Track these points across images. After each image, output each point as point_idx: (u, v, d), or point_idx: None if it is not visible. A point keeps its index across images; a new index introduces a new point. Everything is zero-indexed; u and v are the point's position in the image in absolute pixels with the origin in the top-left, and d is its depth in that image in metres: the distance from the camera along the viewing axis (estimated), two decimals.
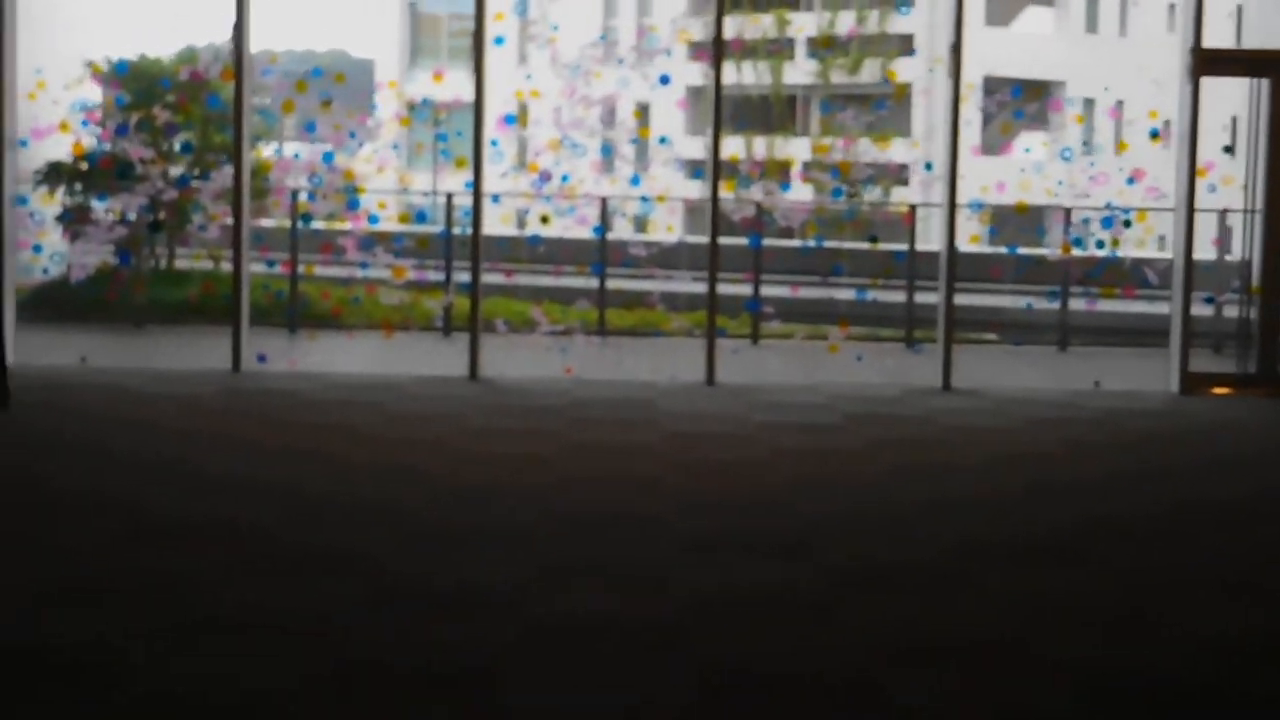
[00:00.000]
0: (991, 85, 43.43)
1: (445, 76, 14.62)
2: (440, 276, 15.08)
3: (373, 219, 12.97)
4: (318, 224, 14.36)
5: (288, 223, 14.91)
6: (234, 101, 12.41)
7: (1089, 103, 47.28)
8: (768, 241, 14.14)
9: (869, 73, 45.02)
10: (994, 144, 44.61)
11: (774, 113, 44.25)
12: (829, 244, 13.64)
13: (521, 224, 16.21)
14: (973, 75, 40.65)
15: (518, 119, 12.76)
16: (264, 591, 6.14)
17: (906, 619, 6.01)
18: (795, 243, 13.39)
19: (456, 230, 15.03)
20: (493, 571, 6.53)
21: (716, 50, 12.41)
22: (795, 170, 42.95)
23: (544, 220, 13.01)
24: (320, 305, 14.59)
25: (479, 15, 12.30)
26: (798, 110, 47.25)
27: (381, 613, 5.88)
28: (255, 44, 12.88)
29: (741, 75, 44.27)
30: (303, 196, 14.13)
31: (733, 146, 41.88)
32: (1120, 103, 47.17)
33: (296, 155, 13.02)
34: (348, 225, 13.17)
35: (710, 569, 6.74)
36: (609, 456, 9.48)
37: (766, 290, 14.95)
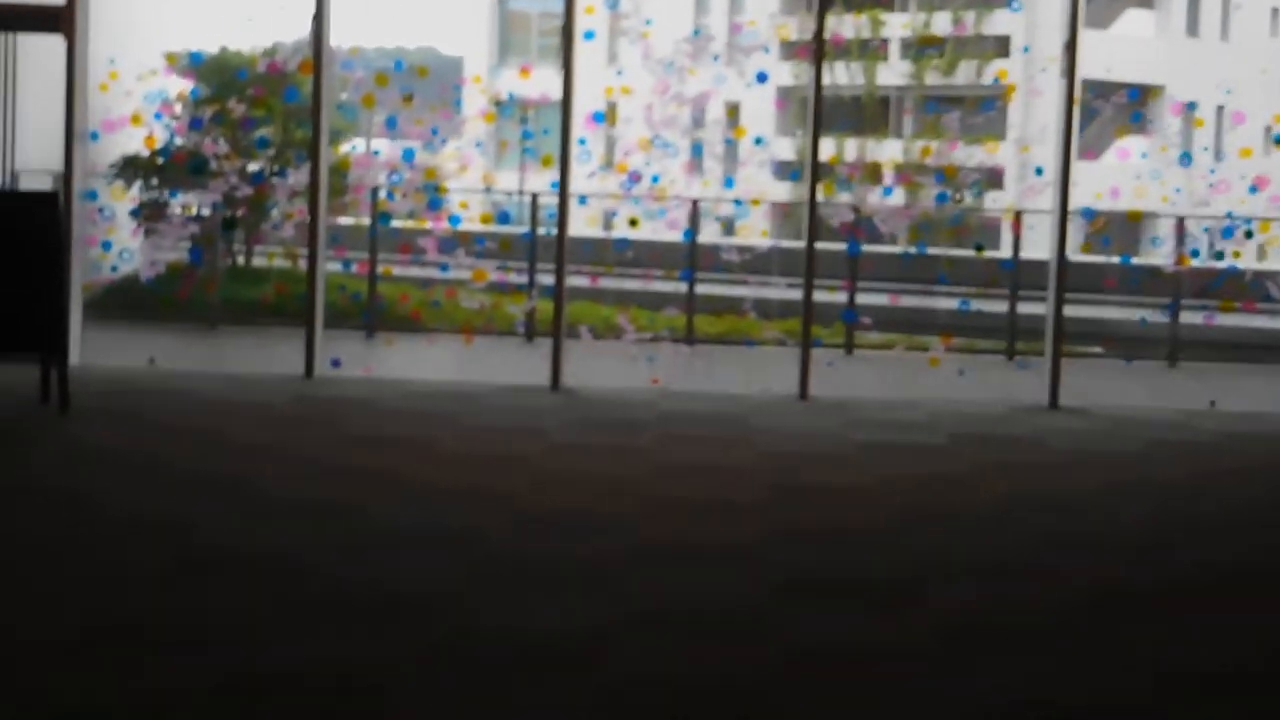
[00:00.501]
0: (1092, 88, 42.66)
1: (532, 72, 14.03)
2: (523, 280, 14.51)
3: (454, 219, 12.41)
4: (397, 223, 13.82)
5: (367, 221, 14.38)
6: (312, 95, 11.87)
7: (1190, 106, 46.36)
8: (866, 247, 13.44)
9: (964, 74, 44.17)
10: (1097, 147, 43.66)
11: (866, 114, 43.47)
12: (931, 251, 12.95)
13: (608, 225, 15.60)
14: (1076, 79, 39.78)
15: (607, 117, 12.16)
16: (317, 642, 5.56)
17: (1041, 680, 5.34)
18: (895, 249, 12.70)
19: (541, 231, 14.45)
20: (569, 617, 5.92)
21: (817, 49, 11.76)
22: (890, 173, 42.23)
23: (633, 223, 12.40)
24: (399, 308, 14.03)
25: (569, 7, 11.70)
26: (891, 112, 46.43)
27: (451, 668, 5.29)
28: (340, 39, 12.40)
29: (834, 75, 43.50)
30: (382, 195, 13.58)
31: (825, 148, 41.17)
32: (1221, 108, 46.07)
33: (376, 152, 12.47)
34: (428, 225, 12.61)
35: (812, 616, 6.10)
36: (699, 479, 8.85)
37: (863, 298, 14.27)
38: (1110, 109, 23.03)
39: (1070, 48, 11.66)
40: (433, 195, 12.35)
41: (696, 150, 12.53)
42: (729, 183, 12.74)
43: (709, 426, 10.61)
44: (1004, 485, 8.96)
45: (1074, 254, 13.15)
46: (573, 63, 11.77)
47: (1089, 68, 39.63)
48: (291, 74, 13.32)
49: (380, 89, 12.42)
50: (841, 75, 45.12)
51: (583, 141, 12.10)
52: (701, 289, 15.01)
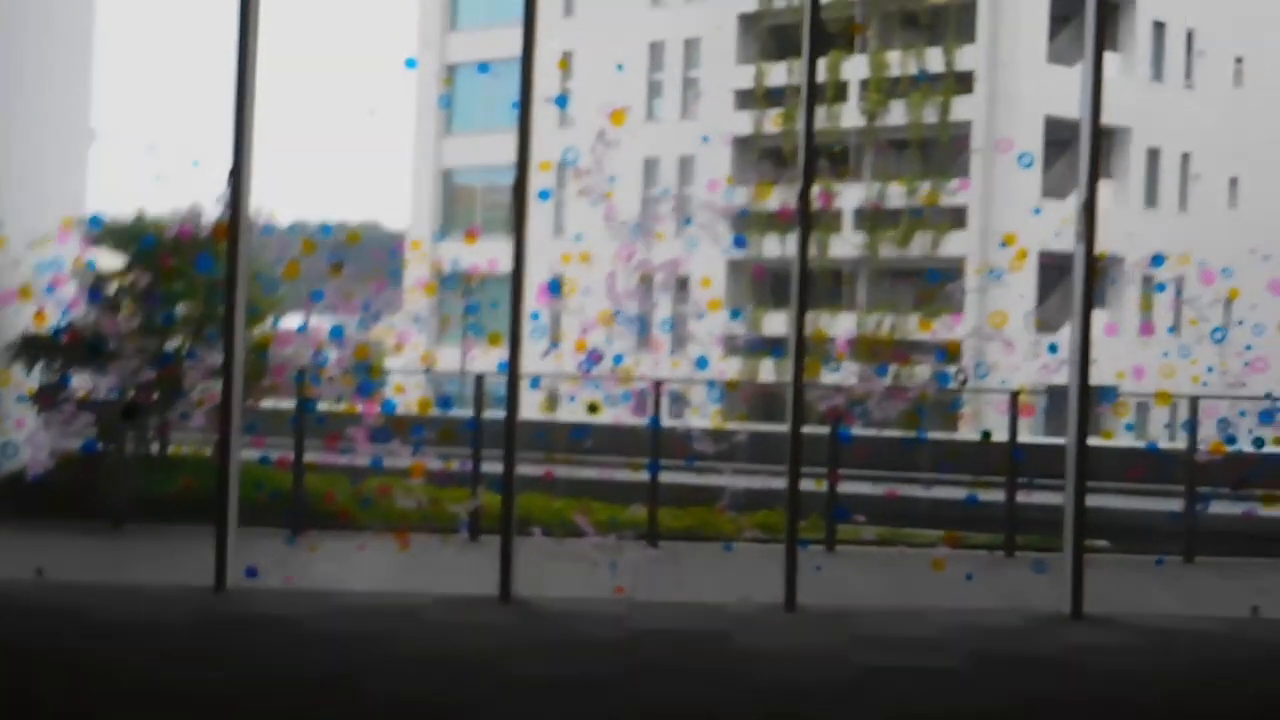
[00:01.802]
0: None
1: (479, 237, 12.54)
2: (467, 470, 12.95)
3: (388, 405, 10.82)
4: (327, 407, 12.22)
5: (291, 405, 12.80)
6: (226, 263, 10.36)
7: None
8: (856, 432, 11.89)
9: (919, 245, 43.28)
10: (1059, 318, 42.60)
11: (819, 287, 42.38)
12: (931, 436, 11.50)
13: (552, 405, 14.01)
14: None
15: (562, 288, 10.68)
16: None
17: None
18: (888, 434, 11.19)
19: (487, 416, 12.93)
20: None
21: (803, 214, 10.38)
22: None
23: (593, 409, 10.87)
24: (326, 504, 12.42)
25: (522, 162, 10.27)
26: (844, 284, 45.41)
27: None
28: (262, 206, 10.97)
29: (785, 247, 42.48)
30: (308, 377, 11.98)
31: (775, 323, 39.97)
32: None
33: (301, 328, 10.93)
34: (359, 411, 11.04)
35: None
36: None
37: (851, 489, 12.74)
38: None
39: (1089, 209, 10.31)
40: (364, 378, 10.80)
41: (669, 325, 11.05)
42: (702, 363, 11.25)
43: (687, 650, 9.02)
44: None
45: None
46: (525, 225, 10.33)
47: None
48: (205, 240, 11.81)
49: (306, 258, 10.95)
50: (791, 246, 44.05)
51: (535, 316, 10.64)
52: (669, 478, 13.46)
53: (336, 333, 10.82)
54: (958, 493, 11.90)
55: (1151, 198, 45.38)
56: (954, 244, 42.60)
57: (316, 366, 10.89)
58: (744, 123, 46.99)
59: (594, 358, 10.63)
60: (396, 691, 7.69)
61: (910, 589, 11.28)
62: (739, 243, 10.71)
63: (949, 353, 10.50)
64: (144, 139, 11.14)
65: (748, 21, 48.38)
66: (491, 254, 11.86)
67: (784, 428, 10.46)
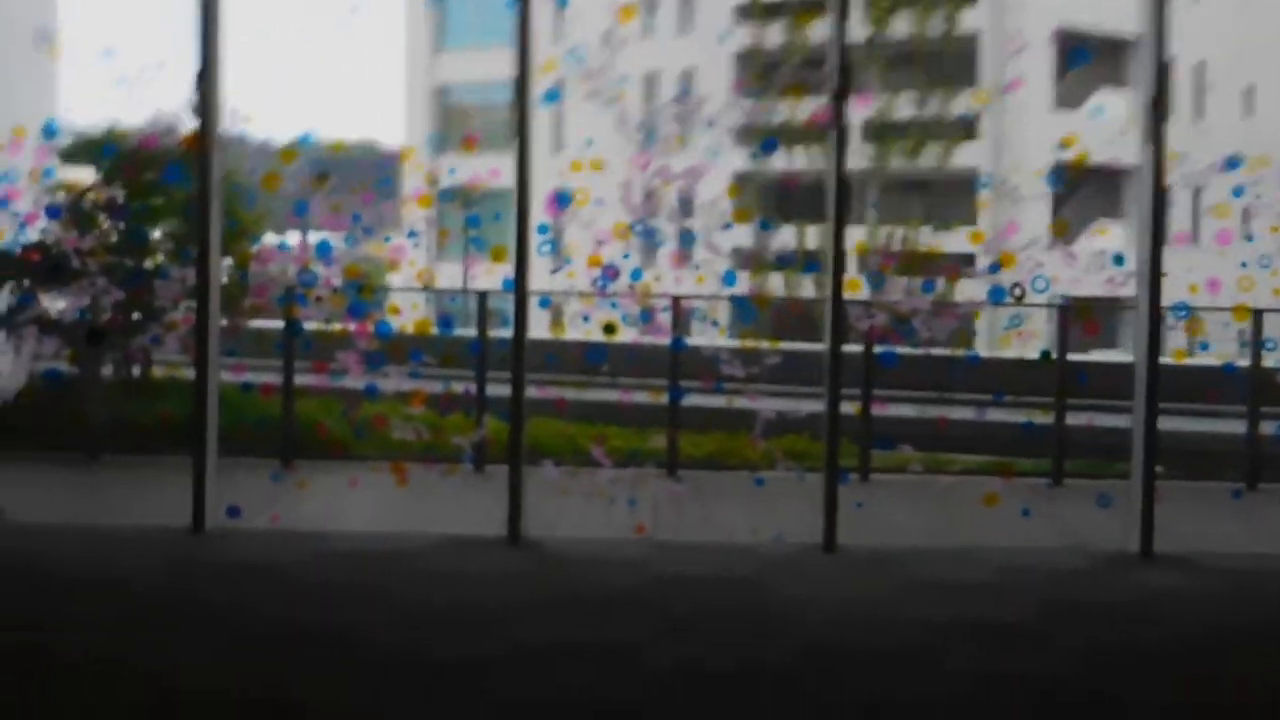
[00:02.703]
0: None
1: (477, 144, 11.37)
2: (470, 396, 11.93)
3: (382, 327, 9.74)
4: (315, 329, 11.14)
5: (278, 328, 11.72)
6: (197, 175, 9.29)
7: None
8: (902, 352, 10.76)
9: (930, 158, 42.10)
10: (1074, 231, 41.49)
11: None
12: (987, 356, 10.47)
13: (561, 325, 12.90)
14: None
15: (572, 199, 9.60)
16: None
17: None
18: (927, 353, 10.09)
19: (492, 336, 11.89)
20: None
21: (839, 120, 9.33)
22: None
23: (609, 330, 9.80)
24: (316, 435, 11.38)
25: (522, 59, 9.19)
26: (853, 197, 44.26)
27: None
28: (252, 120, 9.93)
29: (790, 160, 41.26)
30: (293, 297, 10.84)
31: (786, 238, 38.73)
32: (1197, 190, 43.91)
33: (284, 244, 9.84)
34: (351, 333, 9.96)
35: None
36: (725, 695, 6.26)
37: (892, 413, 11.68)
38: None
39: (1157, 105, 9.24)
40: (355, 297, 9.72)
41: (686, 240, 9.95)
42: (729, 278, 10.17)
43: (720, 600, 8.04)
44: (1155, 693, 6.40)
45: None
46: (528, 128, 9.26)
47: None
48: (173, 151, 10.68)
49: (287, 169, 9.88)
50: (800, 159, 42.94)
51: (543, 229, 9.57)
52: (691, 402, 12.41)
53: (323, 249, 9.75)
54: (1013, 417, 10.87)
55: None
56: (966, 155, 41.36)
57: (303, 285, 9.80)
58: (743, 36, 45.69)
59: (609, 274, 9.58)
60: (393, 655, 6.70)
61: (958, 525, 10.29)
62: (770, 146, 9.61)
63: (1002, 265, 9.40)
64: (105, 44, 9.96)
65: None
66: (491, 167, 10.71)
67: (821, 347, 9.46)
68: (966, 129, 41.31)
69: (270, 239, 11.58)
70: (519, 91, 9.15)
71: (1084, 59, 40.55)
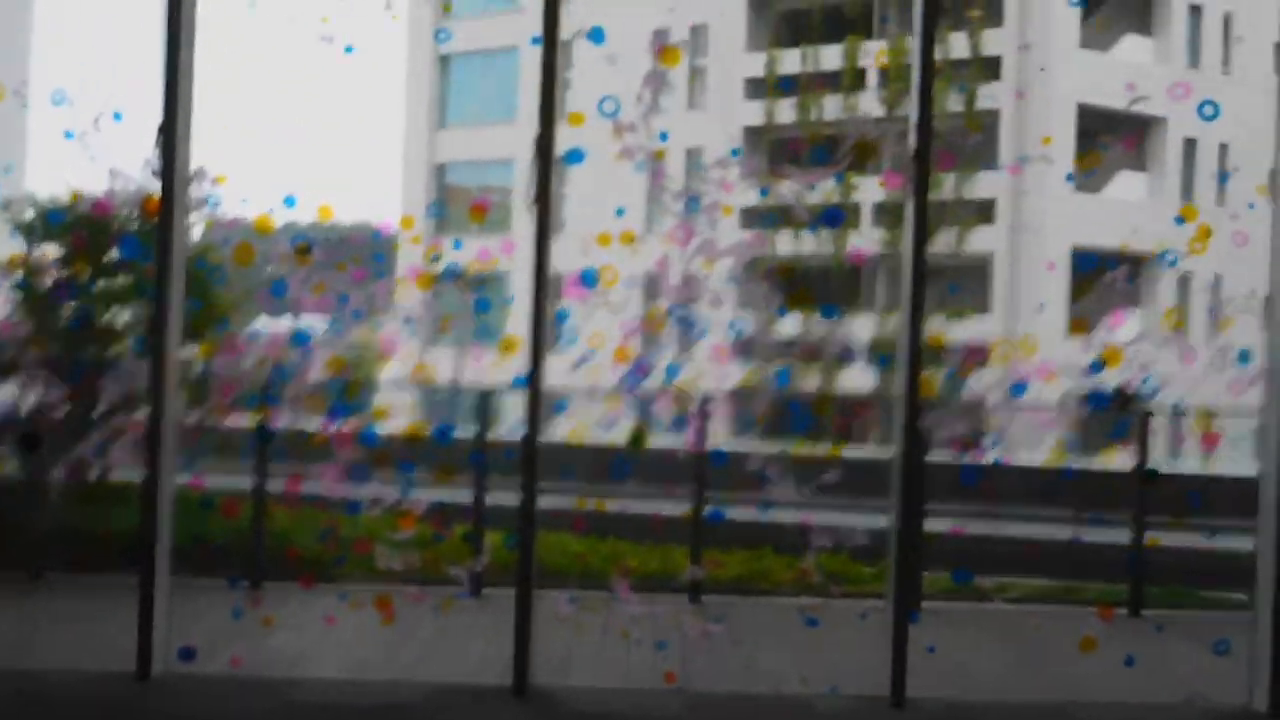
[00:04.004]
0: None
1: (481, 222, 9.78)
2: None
3: (367, 435, 8.17)
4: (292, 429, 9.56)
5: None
6: (156, 246, 7.80)
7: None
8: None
9: (943, 242, 40.71)
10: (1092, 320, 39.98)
11: (835, 285, 39.79)
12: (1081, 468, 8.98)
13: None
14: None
15: (599, 279, 8.09)
16: None
17: None
18: (1013, 463, 8.60)
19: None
20: None
21: (920, 197, 7.90)
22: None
23: (636, 441, 8.27)
24: (288, 556, 9.85)
25: (546, 109, 7.72)
26: (862, 283, 42.84)
27: None
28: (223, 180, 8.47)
29: (799, 244, 39.86)
30: (263, 398, 9.22)
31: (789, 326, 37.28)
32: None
33: (255, 333, 8.29)
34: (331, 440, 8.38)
35: None
36: None
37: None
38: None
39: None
40: (336, 397, 8.18)
41: (734, 329, 8.42)
42: (783, 377, 8.65)
43: None
44: None
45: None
46: (549, 194, 7.79)
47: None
48: (127, 218, 9.19)
49: (262, 241, 8.39)
50: (808, 243, 41.57)
51: (563, 316, 8.06)
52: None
53: (301, 338, 8.22)
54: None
55: (1188, 191, 42.75)
56: (981, 239, 40.02)
57: (275, 383, 8.25)
58: (754, 113, 44.43)
59: (640, 370, 8.06)
60: None
61: (1039, 669, 8.74)
62: (832, 219, 8.22)
63: (1105, 363, 7.88)
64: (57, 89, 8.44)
65: (758, 6, 45.79)
66: (495, 246, 9.19)
67: (886, 456, 7.96)
68: (983, 211, 39.94)
69: (242, 325, 10.13)
70: (541, 150, 7.68)
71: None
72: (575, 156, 7.90)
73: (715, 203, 8.13)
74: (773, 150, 42.61)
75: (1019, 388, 7.99)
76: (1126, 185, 42.25)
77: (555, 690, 7.83)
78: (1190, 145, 42.82)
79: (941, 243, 41.01)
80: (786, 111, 43.57)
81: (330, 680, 8.02)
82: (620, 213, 8.16)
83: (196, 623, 8.52)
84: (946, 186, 40.60)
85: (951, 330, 38.90)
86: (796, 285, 38.57)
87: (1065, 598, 11.05)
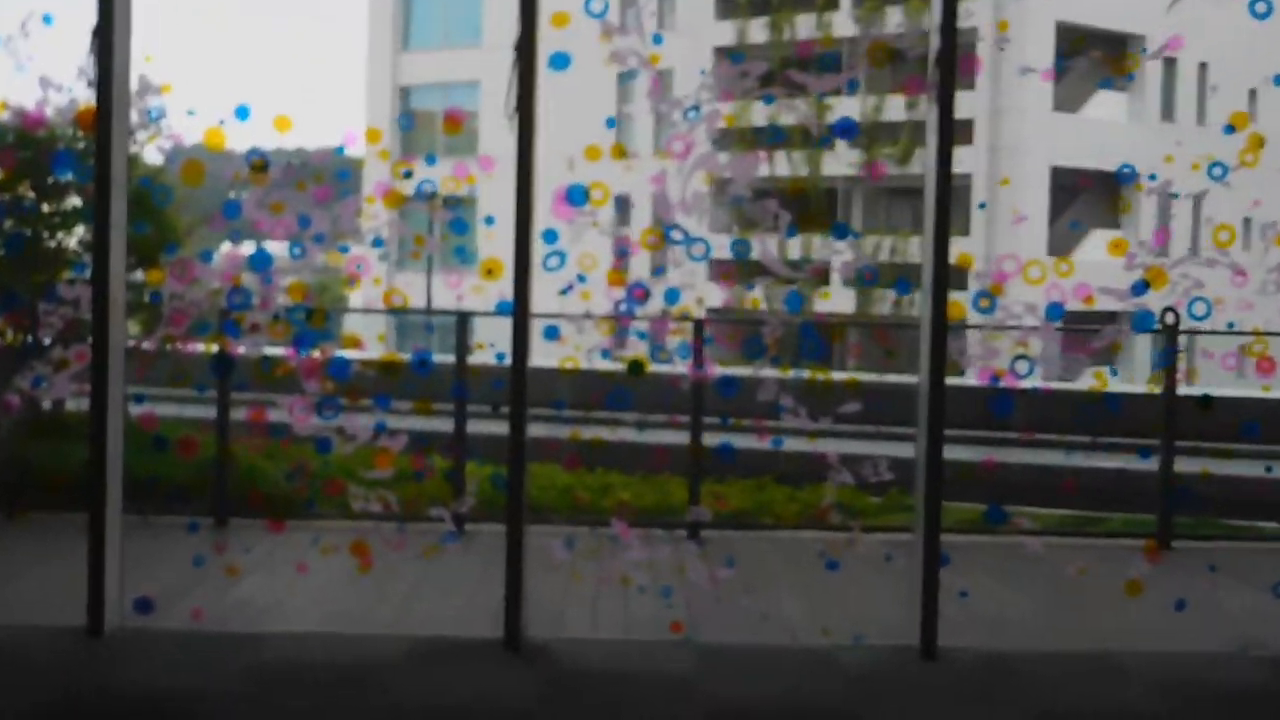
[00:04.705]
0: (1060, 177, 38.44)
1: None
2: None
3: (338, 366, 7.39)
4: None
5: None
6: (96, 161, 6.99)
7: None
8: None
9: (921, 162, 39.93)
10: (1066, 243, 39.37)
11: (810, 208, 38.99)
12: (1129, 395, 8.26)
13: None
14: (1039, 165, 35.29)
15: (589, 196, 7.30)
16: None
17: None
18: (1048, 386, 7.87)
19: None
20: None
21: (944, 115, 7.13)
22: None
23: (635, 370, 7.51)
24: (252, 497, 9.10)
25: (527, 14, 6.93)
26: (838, 205, 42.11)
27: None
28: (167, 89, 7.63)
29: (773, 166, 39.01)
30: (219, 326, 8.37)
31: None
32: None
33: (207, 255, 7.51)
34: (297, 370, 7.58)
35: None
36: None
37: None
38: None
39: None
40: (301, 325, 7.39)
41: (740, 247, 7.63)
42: (793, 302, 7.89)
43: None
44: None
45: None
46: (533, 98, 7.00)
47: (1058, 155, 35.09)
48: (61, 129, 8.34)
49: (214, 158, 7.57)
50: (782, 165, 40.76)
51: (551, 236, 7.28)
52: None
53: (260, 260, 7.41)
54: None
55: (1169, 111, 42.04)
56: (959, 160, 39.18)
57: (233, 309, 7.48)
58: (726, 33, 43.47)
59: (636, 294, 7.29)
60: None
61: (1076, 610, 8.07)
62: (843, 130, 7.45)
63: (1150, 283, 7.14)
64: None
65: None
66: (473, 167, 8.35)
67: (911, 381, 7.24)
68: (961, 133, 39.20)
69: (190, 248, 9.32)
70: (523, 52, 6.89)
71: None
72: (560, 61, 7.08)
73: (716, 111, 7.33)
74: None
75: (1055, 309, 7.24)
76: (1105, 105, 41.54)
77: (551, 643, 7.10)
78: (1169, 64, 42.11)
79: (917, 164, 40.31)
80: (759, 31, 42.66)
81: (302, 634, 7.27)
82: (611, 123, 7.35)
83: (154, 570, 7.81)
84: (923, 107, 39.84)
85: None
86: (805, 205, 37.86)
87: (1086, 530, 10.39)
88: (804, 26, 41.69)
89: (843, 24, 41.33)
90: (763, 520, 10.53)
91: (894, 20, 40.11)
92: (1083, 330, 7.84)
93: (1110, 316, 7.67)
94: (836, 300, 35.41)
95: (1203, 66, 41.19)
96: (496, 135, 7.55)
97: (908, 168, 40.24)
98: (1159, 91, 41.52)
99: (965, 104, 36.48)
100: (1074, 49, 37.98)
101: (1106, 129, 39.55)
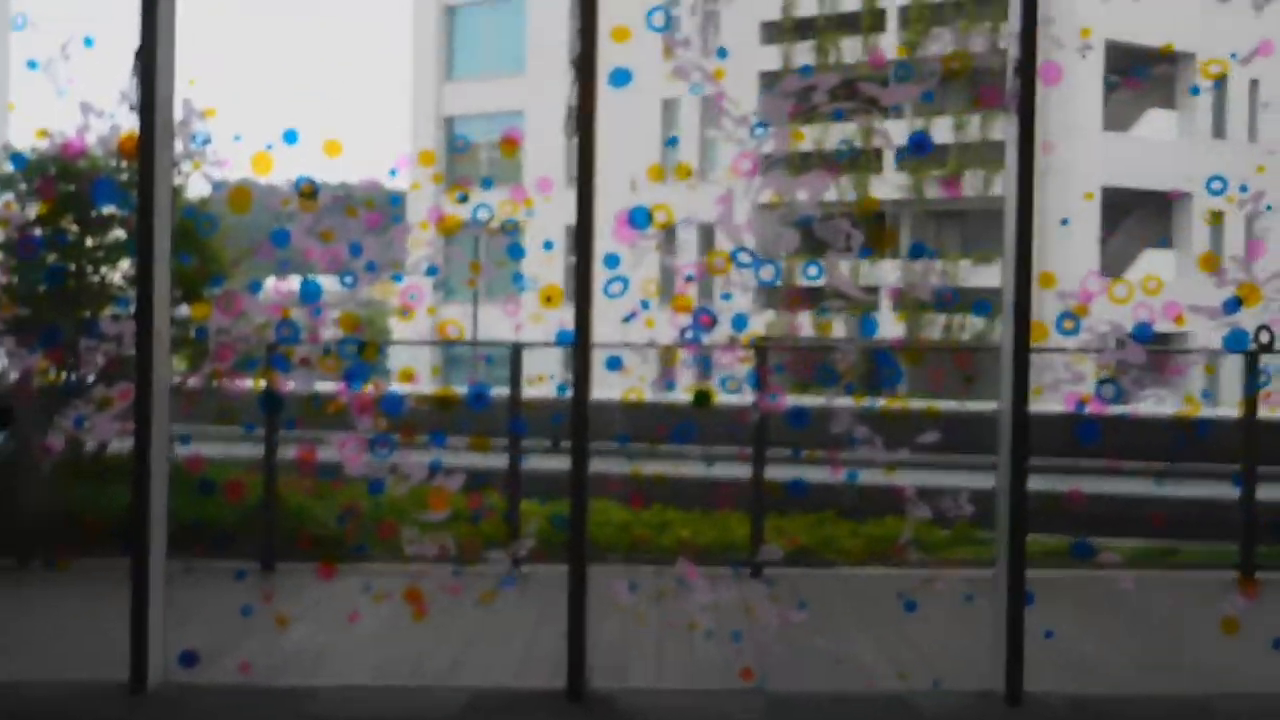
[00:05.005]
0: (1110, 196, 37.93)
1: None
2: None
3: (392, 401, 7.05)
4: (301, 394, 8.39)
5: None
6: (139, 189, 6.69)
7: (1215, 215, 41.59)
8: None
9: (970, 185, 39.49)
10: (1121, 261, 38.79)
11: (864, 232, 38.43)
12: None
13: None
14: (1090, 185, 34.84)
15: (652, 219, 6.95)
16: None
17: None
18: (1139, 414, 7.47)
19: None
20: None
21: (1025, 125, 6.75)
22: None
23: (701, 400, 7.14)
24: (306, 528, 8.77)
25: (587, 28, 6.61)
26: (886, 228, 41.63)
27: None
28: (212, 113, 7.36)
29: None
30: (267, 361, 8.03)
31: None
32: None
33: (255, 287, 7.20)
34: (348, 407, 7.24)
35: None
36: None
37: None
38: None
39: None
40: (353, 359, 7.06)
41: (812, 270, 7.25)
42: (869, 327, 7.53)
43: None
44: None
45: None
46: (593, 122, 6.68)
47: (1108, 175, 34.66)
48: (103, 159, 8.05)
49: (260, 187, 7.26)
50: (830, 189, 40.22)
51: (612, 260, 6.94)
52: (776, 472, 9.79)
53: (310, 292, 7.09)
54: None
55: (1219, 128, 41.45)
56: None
57: (281, 344, 7.15)
58: (771, 57, 43.07)
59: (703, 321, 6.93)
60: None
61: (1168, 648, 7.65)
62: (918, 145, 7.13)
63: (1244, 301, 6.74)
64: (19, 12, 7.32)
65: None
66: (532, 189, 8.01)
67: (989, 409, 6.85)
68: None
69: (237, 280, 9.01)
70: (583, 68, 6.57)
71: (1141, 74, 37.90)
72: (621, 78, 6.74)
73: (784, 130, 6.98)
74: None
75: (1144, 330, 6.85)
76: (1155, 124, 41.01)
77: (616, 693, 6.74)
78: (1220, 81, 41.50)
79: (967, 185, 39.86)
80: (804, 55, 42.28)
81: (354, 687, 6.93)
82: (673, 142, 7.00)
83: (200, 620, 7.48)
84: (972, 127, 39.43)
85: (977, 275, 37.88)
86: (876, 225, 37.39)
87: (1164, 562, 9.97)
88: (850, 50, 41.32)
89: (889, 46, 40.93)
90: (827, 556, 10.14)
91: (943, 41, 39.68)
92: (1174, 352, 7.44)
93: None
94: (884, 326, 34.99)
95: (1254, 83, 40.62)
96: (541, 163, 7.19)
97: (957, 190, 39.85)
98: (1210, 109, 40.95)
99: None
100: (1129, 65, 37.46)
101: (1156, 148, 39.07)
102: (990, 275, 28.23)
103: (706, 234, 9.02)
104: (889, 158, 39.67)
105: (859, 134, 31.93)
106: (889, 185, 39.44)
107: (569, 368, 6.75)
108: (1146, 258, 39.74)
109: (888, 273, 37.20)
